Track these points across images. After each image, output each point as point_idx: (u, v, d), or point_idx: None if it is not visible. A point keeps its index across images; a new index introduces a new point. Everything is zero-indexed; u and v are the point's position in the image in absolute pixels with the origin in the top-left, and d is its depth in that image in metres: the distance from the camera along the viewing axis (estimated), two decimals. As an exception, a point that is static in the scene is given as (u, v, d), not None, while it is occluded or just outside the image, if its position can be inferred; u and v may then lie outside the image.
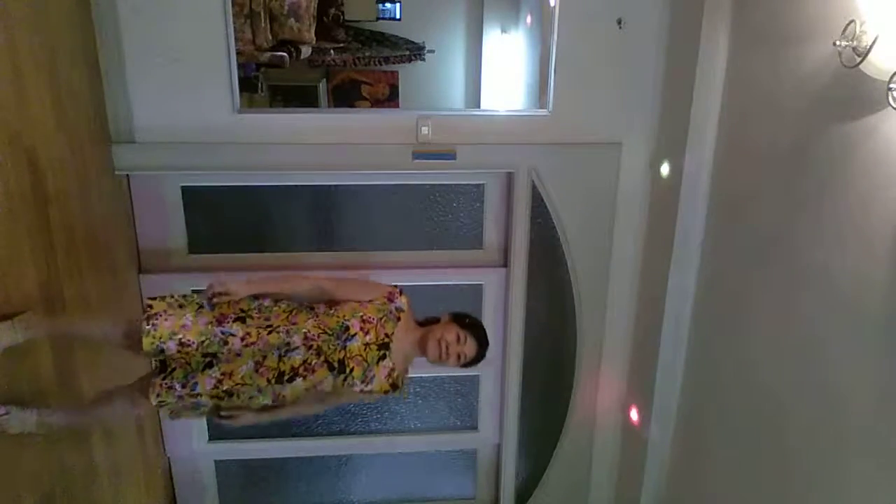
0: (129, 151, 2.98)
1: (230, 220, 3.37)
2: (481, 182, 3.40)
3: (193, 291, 3.19)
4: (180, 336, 2.00)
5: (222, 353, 2.01)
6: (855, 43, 1.68)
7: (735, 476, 2.60)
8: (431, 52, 3.75)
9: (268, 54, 3.52)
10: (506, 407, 3.68)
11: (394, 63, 3.76)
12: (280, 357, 2.00)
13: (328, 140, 3.09)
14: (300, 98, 3.88)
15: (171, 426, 3.54)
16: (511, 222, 3.36)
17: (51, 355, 2.32)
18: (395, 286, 2.19)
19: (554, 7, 3.03)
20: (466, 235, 3.50)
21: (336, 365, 2.01)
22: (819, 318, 2.07)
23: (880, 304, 1.80)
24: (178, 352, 2.00)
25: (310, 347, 2.01)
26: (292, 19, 3.57)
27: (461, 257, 3.51)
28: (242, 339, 2.01)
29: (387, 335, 2.07)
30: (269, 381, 1.99)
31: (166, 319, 2.02)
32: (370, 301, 2.12)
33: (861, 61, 1.64)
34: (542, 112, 3.17)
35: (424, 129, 3.09)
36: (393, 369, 2.07)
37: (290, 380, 1.99)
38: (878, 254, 1.79)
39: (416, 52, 3.75)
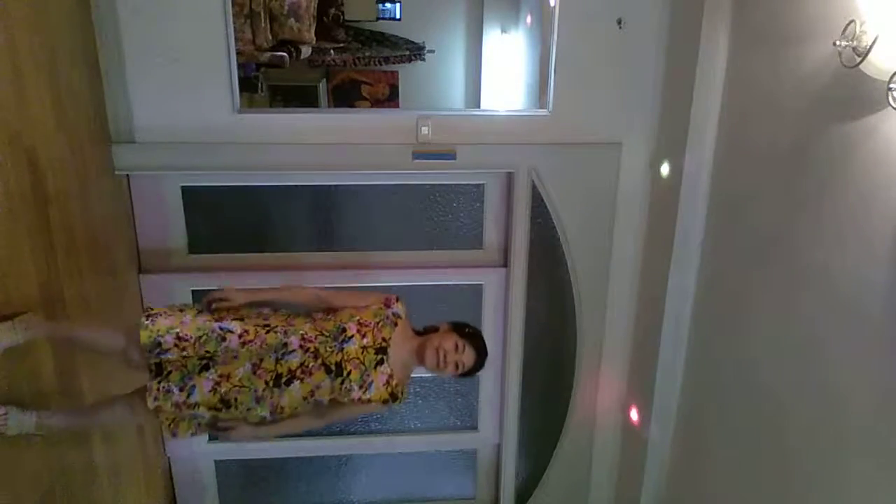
0: (129, 151, 2.98)
1: (230, 220, 3.37)
2: (481, 182, 3.40)
3: (193, 292, 3.25)
4: (177, 330, 2.01)
5: (219, 354, 2.01)
6: (855, 43, 1.68)
7: (735, 476, 2.60)
8: (431, 52, 3.75)
9: (268, 54, 3.52)
10: (506, 407, 3.68)
11: (394, 63, 3.76)
12: (277, 360, 2.00)
13: (328, 140, 3.09)
14: (300, 98, 3.88)
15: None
16: (511, 222, 3.36)
17: (51, 356, 2.32)
18: (393, 294, 2.22)
19: (554, 7, 3.03)
20: (466, 235, 3.50)
21: (333, 368, 2.01)
22: (819, 318, 2.07)
23: (880, 304, 1.80)
24: (176, 346, 2.00)
25: (307, 350, 2.02)
26: (292, 19, 3.57)
27: (461, 257, 3.51)
28: (240, 336, 2.02)
29: (384, 339, 2.07)
30: (266, 382, 1.99)
31: (165, 318, 2.05)
32: (367, 306, 2.14)
33: (861, 61, 1.64)
34: (542, 112, 3.17)
35: (424, 129, 3.09)
36: (391, 376, 2.06)
37: (288, 382, 1.99)
38: (878, 254, 1.79)
39: (416, 52, 3.75)
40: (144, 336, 2.00)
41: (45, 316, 2.26)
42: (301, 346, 2.02)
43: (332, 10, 3.66)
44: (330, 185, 3.34)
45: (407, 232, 3.47)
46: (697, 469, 2.95)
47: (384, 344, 2.07)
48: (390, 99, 3.79)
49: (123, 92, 2.92)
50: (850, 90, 1.86)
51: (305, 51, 3.68)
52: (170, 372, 2.01)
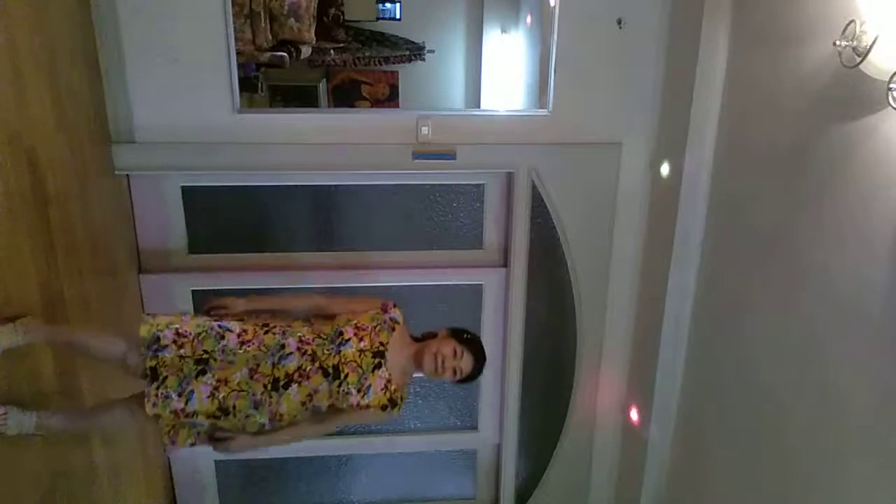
0: (129, 151, 2.98)
1: (230, 220, 3.37)
2: (481, 182, 3.40)
3: (193, 292, 3.25)
4: (177, 325, 2.03)
5: (217, 354, 2.01)
6: (855, 43, 1.68)
7: (735, 476, 2.60)
8: (431, 52, 3.75)
9: (268, 54, 3.52)
10: (506, 407, 3.68)
11: (394, 63, 3.76)
12: (274, 364, 2.01)
13: (328, 140, 3.09)
14: (300, 98, 3.88)
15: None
16: (511, 222, 3.36)
17: (51, 356, 2.32)
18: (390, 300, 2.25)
19: (554, 7, 3.03)
20: (466, 235, 3.50)
21: (331, 371, 2.01)
22: (819, 318, 2.07)
23: (880, 304, 1.80)
24: (174, 342, 2.00)
25: (304, 353, 2.02)
26: (292, 19, 3.57)
27: (461, 257, 3.51)
28: (239, 335, 2.03)
29: (381, 343, 2.07)
30: (265, 386, 1.99)
31: (165, 316, 2.10)
32: (364, 311, 2.16)
33: (861, 61, 1.64)
34: (542, 112, 3.17)
35: (424, 129, 3.09)
36: (389, 381, 2.06)
37: (286, 386, 1.99)
38: (878, 254, 1.79)
39: (416, 52, 3.75)
40: (144, 330, 2.02)
41: (46, 316, 2.26)
42: (298, 349, 2.02)
43: (332, 10, 3.66)
44: (330, 185, 3.34)
45: (407, 232, 3.47)
46: (697, 469, 2.95)
47: (381, 348, 2.07)
48: (390, 99, 3.79)
49: (123, 92, 2.92)
50: (850, 90, 1.86)
51: (305, 51, 3.68)
52: (166, 377, 2.00)
